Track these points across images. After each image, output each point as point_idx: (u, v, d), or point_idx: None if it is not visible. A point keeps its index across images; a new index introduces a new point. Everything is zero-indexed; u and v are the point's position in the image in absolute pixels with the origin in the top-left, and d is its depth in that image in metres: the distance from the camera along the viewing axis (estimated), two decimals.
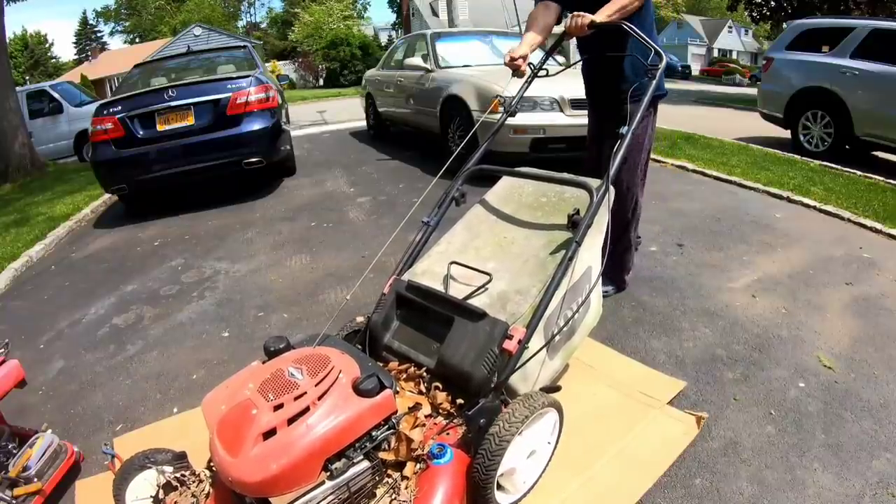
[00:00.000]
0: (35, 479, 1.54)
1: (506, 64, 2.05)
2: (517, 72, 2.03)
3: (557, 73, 2.17)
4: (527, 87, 2.10)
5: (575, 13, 1.89)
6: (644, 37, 1.83)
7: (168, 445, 1.46)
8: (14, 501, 1.48)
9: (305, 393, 1.18)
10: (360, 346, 1.65)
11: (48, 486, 1.56)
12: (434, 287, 1.65)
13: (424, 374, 1.53)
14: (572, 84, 4.09)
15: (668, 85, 2.51)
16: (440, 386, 1.47)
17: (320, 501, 1.16)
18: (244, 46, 6.14)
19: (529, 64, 2.12)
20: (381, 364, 1.52)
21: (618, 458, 1.60)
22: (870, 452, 1.63)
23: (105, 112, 4.22)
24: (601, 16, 1.92)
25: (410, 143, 6.47)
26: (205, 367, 2.28)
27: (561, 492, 1.48)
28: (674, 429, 1.72)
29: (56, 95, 8.67)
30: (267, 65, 8.88)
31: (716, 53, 43.87)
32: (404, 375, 1.54)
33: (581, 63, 2.44)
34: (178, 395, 2.12)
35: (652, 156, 4.44)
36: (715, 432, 1.73)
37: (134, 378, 2.27)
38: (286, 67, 27.34)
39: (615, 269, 2.55)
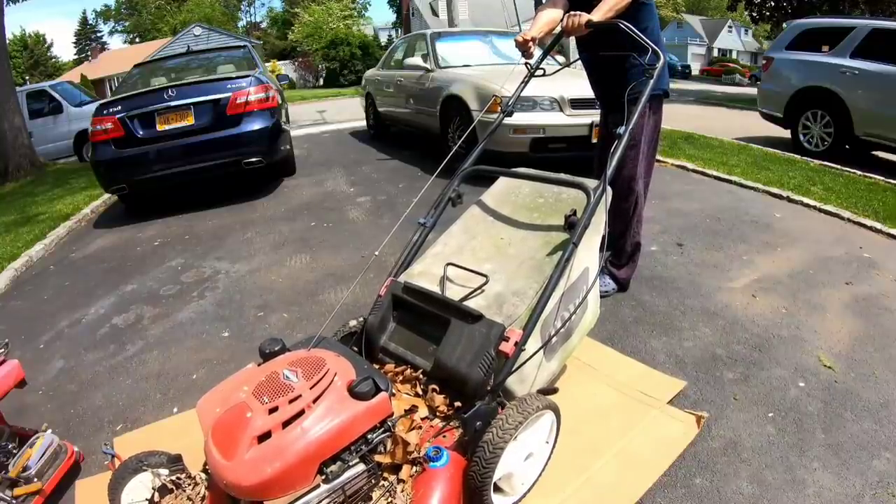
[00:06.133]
0: (35, 479, 1.54)
1: (517, 44, 2.06)
2: (526, 53, 2.05)
3: (555, 72, 2.17)
4: (523, 87, 2.10)
5: (571, 13, 1.88)
6: (641, 36, 1.81)
7: (168, 445, 1.46)
8: (14, 501, 1.48)
9: (300, 396, 1.18)
10: (356, 349, 1.65)
11: (48, 486, 1.56)
12: (430, 289, 1.65)
13: (421, 376, 1.52)
14: (572, 84, 4.10)
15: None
16: (437, 388, 1.47)
17: None
18: (244, 46, 6.13)
19: (527, 65, 2.11)
20: (377, 366, 1.52)
21: (617, 458, 1.60)
22: (870, 452, 1.63)
23: (105, 112, 4.23)
24: (597, 15, 1.91)
25: (410, 142, 6.47)
26: (205, 367, 2.28)
27: (560, 492, 1.48)
28: (674, 428, 1.72)
29: (56, 95, 8.66)
30: (267, 65, 8.86)
31: (716, 53, 43.78)
32: (400, 378, 1.53)
33: (584, 63, 2.44)
34: (178, 395, 2.12)
35: None
36: (715, 432, 1.73)
37: (134, 378, 2.27)
38: (286, 67, 27.34)
39: (627, 268, 2.56)
